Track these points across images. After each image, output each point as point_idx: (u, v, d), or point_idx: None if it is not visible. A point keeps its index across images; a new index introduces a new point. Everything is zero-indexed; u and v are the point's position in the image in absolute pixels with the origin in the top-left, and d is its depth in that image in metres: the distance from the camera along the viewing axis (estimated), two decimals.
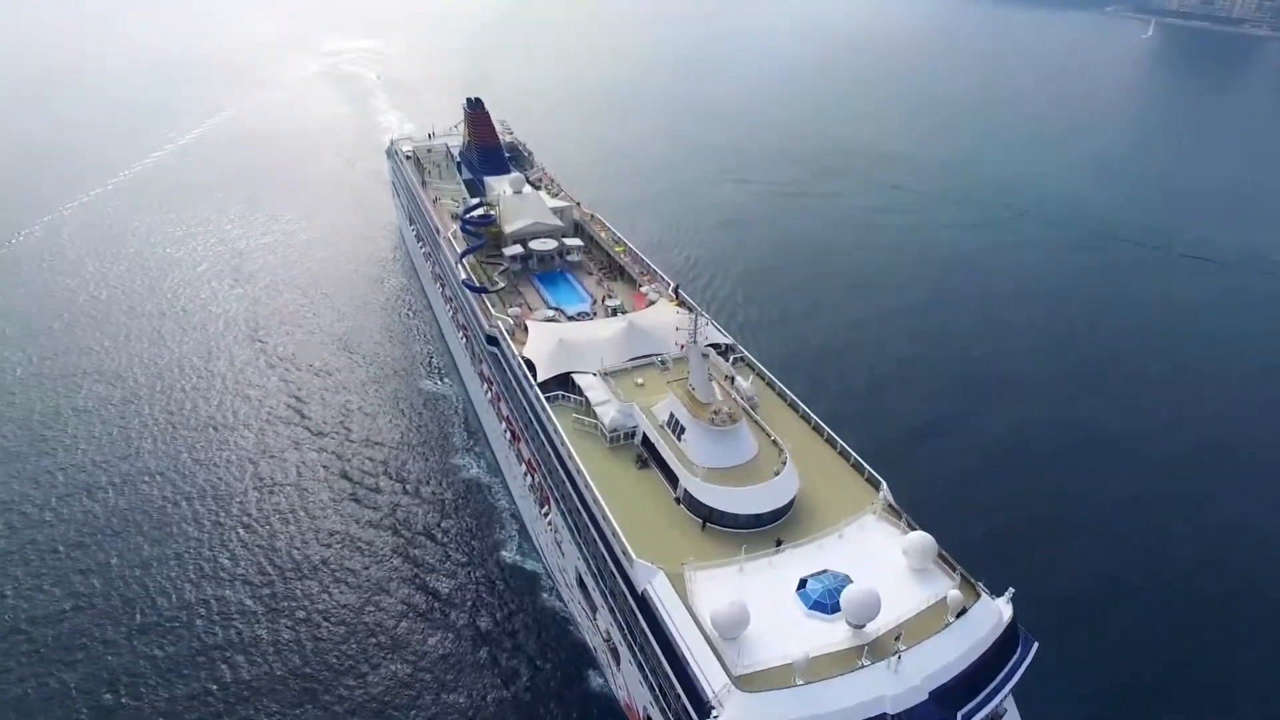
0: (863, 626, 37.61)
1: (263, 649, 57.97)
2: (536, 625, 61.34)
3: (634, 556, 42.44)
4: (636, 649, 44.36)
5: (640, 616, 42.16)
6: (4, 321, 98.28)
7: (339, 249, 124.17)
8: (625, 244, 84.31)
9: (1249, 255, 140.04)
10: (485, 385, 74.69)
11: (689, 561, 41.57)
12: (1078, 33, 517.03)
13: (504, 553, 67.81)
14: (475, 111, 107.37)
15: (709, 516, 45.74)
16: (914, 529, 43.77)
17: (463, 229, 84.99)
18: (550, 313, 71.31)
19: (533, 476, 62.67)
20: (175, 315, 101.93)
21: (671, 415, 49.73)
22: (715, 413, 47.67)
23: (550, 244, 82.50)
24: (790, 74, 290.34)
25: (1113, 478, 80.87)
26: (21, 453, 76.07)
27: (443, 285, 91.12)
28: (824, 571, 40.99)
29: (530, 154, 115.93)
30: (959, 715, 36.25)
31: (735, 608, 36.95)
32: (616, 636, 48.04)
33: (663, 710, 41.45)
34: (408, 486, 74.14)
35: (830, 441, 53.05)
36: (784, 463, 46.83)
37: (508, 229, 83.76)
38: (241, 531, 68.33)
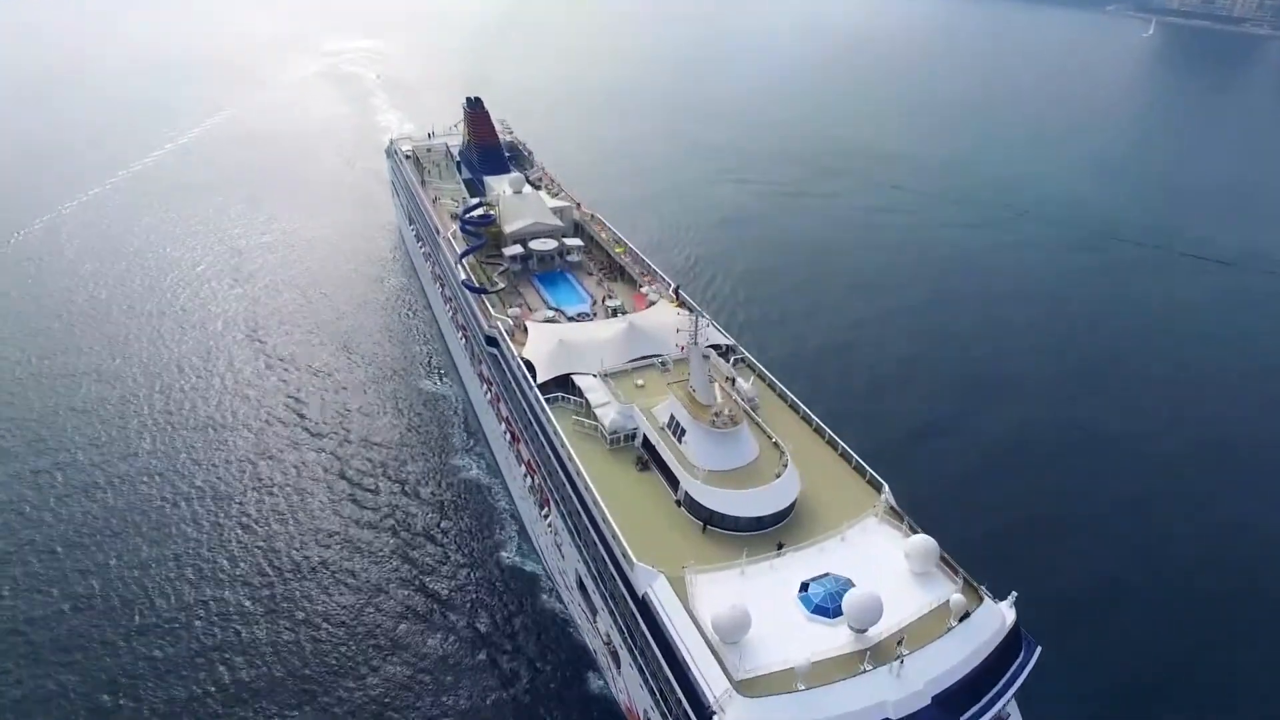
0: (865, 631, 37.38)
1: (261, 650, 57.72)
2: (536, 627, 61.08)
3: (634, 560, 42.20)
4: (637, 652, 44.12)
5: (641, 620, 41.93)
6: (2, 321, 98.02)
7: (338, 248, 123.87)
8: (625, 244, 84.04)
9: (1250, 254, 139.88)
10: (485, 386, 74.44)
11: (690, 565, 41.32)
12: (1078, 32, 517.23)
13: (503, 554, 67.55)
14: (475, 111, 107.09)
15: (710, 519, 45.47)
16: (916, 532, 43.58)
17: (462, 229, 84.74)
18: (550, 313, 71.06)
19: (532, 478, 62.43)
20: (174, 315, 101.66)
21: (672, 417, 49.49)
22: (716, 415, 47.42)
23: (550, 244, 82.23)
24: (790, 74, 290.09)
25: (1114, 477, 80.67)
26: (19, 453, 75.79)
27: (442, 285, 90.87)
28: (826, 575, 40.74)
29: (530, 154, 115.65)
30: None
31: (736, 611, 36.72)
32: (617, 640, 47.79)
33: (663, 714, 41.20)
34: (407, 487, 73.87)
35: (831, 443, 52.82)
36: (785, 465, 46.59)
37: (507, 229, 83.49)
38: (240, 532, 68.08)
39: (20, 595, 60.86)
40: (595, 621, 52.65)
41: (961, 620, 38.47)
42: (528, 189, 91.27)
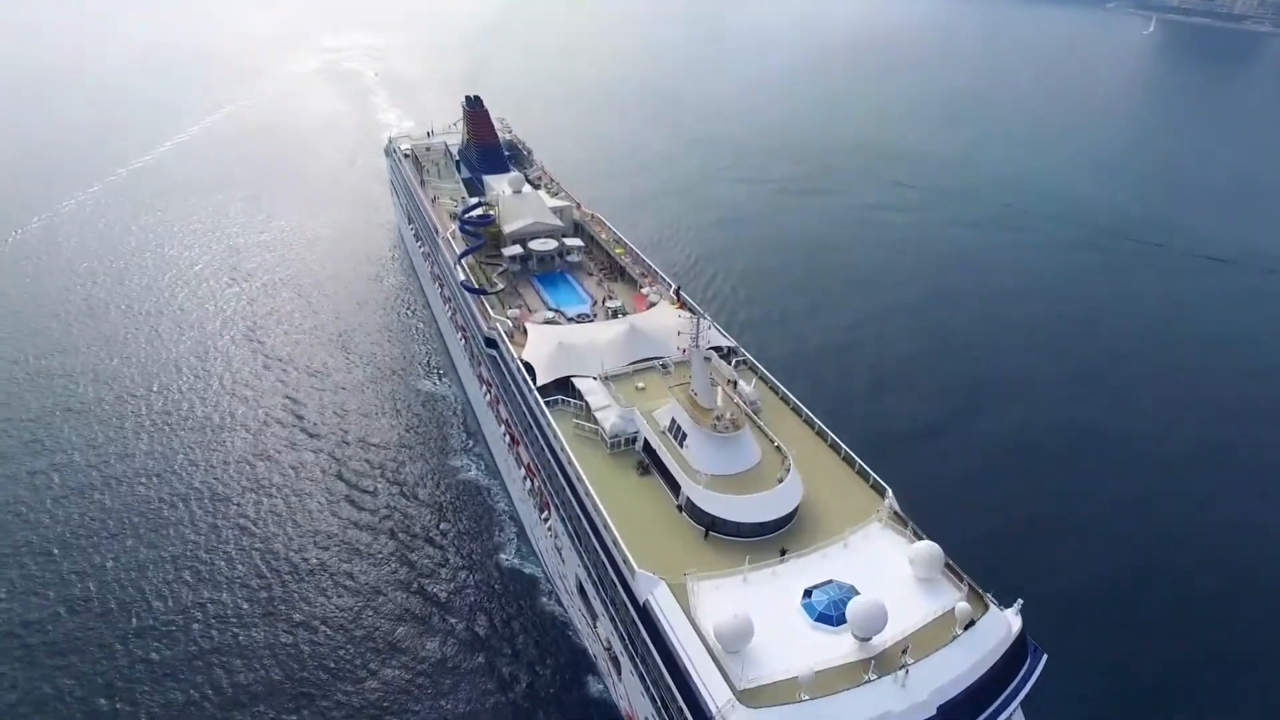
0: (869, 639, 36.95)
1: (259, 653, 57.38)
2: (535, 630, 60.71)
3: (635, 567, 41.73)
4: (638, 660, 43.70)
5: (642, 628, 41.50)
6: None
7: (338, 248, 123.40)
8: (626, 244, 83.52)
9: (1251, 253, 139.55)
10: (484, 387, 73.96)
11: (691, 572, 40.86)
12: (1078, 29, 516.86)
13: (502, 556, 67.16)
14: (474, 109, 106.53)
15: (712, 525, 44.96)
16: (920, 538, 43.07)
17: (461, 229, 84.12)
18: (550, 314, 70.50)
19: (532, 481, 61.98)
20: (172, 314, 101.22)
21: (673, 421, 49.02)
22: (718, 419, 46.89)
23: (550, 244, 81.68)
24: (790, 72, 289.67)
25: (1116, 477, 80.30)
26: (16, 454, 75.42)
27: (441, 285, 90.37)
28: (829, 582, 40.29)
29: (530, 152, 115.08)
30: None
31: (739, 620, 36.24)
32: (617, 646, 47.38)
33: None
34: (405, 489, 73.45)
35: (834, 447, 52.32)
36: (788, 469, 46.15)
37: (507, 229, 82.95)
38: (238, 534, 67.70)
39: (16, 598, 60.47)
40: (595, 627, 52.23)
41: (967, 628, 38.04)
42: (527, 188, 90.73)
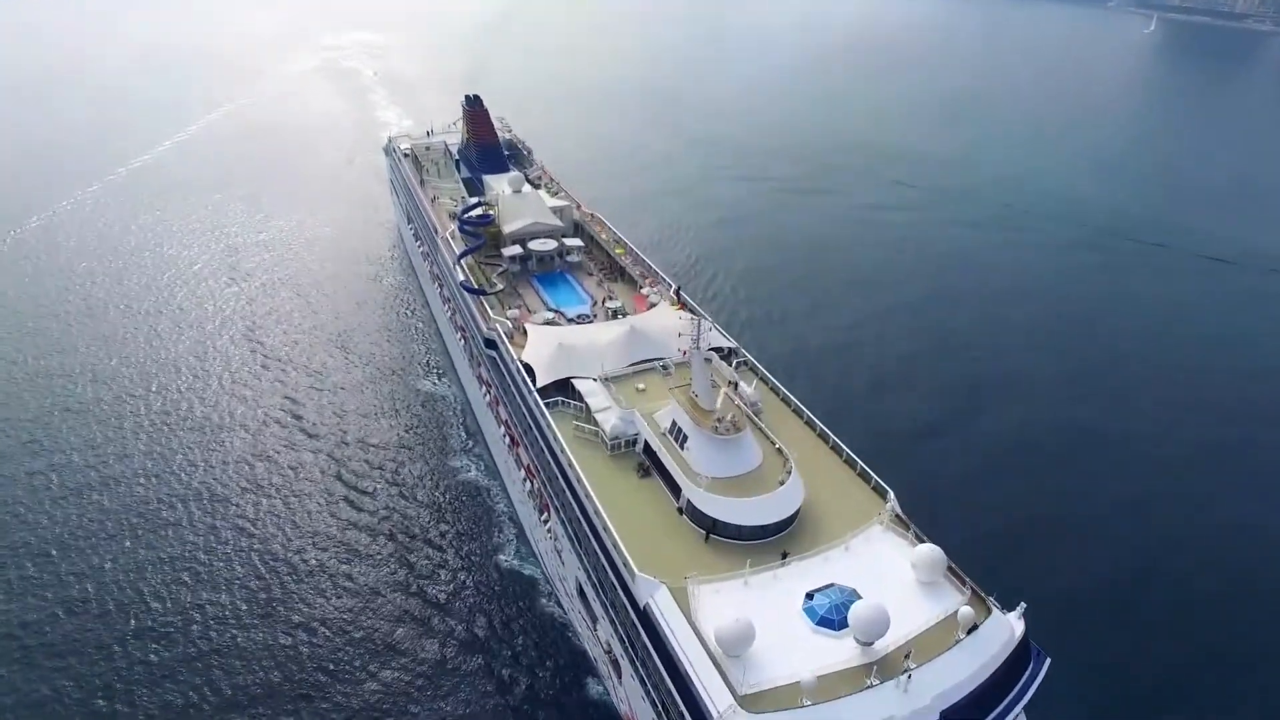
0: (871, 644, 36.73)
1: (258, 654, 57.19)
2: (535, 631, 60.50)
3: (636, 571, 41.50)
4: (638, 664, 43.50)
5: (642, 631, 41.29)
6: None
7: (337, 247, 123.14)
8: (626, 245, 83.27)
9: (1251, 253, 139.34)
10: (484, 388, 73.73)
11: (692, 575, 40.62)
12: (1079, 28, 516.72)
13: (501, 557, 66.95)
14: (474, 109, 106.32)
15: (713, 528, 44.73)
16: (922, 540, 42.85)
17: (461, 229, 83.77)
18: (550, 314, 70.27)
19: (532, 483, 61.75)
20: (171, 314, 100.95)
21: (674, 423, 48.78)
22: (719, 420, 46.63)
23: (550, 244, 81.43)
24: (790, 71, 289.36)
25: (1117, 479, 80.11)
26: (14, 454, 75.18)
27: (441, 285, 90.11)
28: (831, 585, 40.09)
29: (529, 152, 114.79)
30: None
31: (740, 625, 36.02)
32: (618, 649, 47.19)
33: None
34: (404, 489, 73.25)
35: (836, 449, 52.08)
36: (789, 472, 45.90)
37: (507, 229, 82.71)
38: (237, 535, 67.48)
39: (14, 599, 60.29)
40: (596, 630, 52.03)
41: (969, 633, 37.83)
42: (527, 188, 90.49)
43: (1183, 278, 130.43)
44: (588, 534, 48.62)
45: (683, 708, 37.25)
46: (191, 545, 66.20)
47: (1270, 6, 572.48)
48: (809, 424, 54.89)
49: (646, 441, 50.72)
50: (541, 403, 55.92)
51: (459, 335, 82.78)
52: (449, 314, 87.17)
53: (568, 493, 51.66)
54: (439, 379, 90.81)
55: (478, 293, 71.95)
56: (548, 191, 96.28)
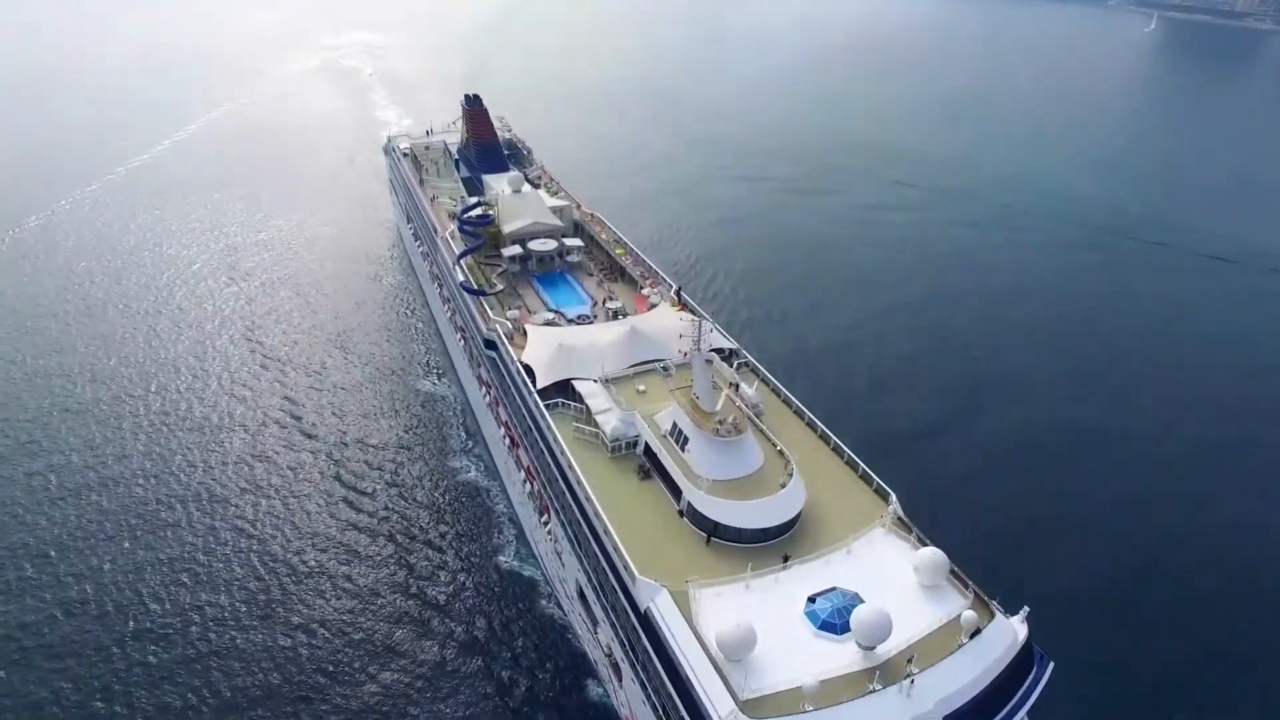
0: (874, 648, 36.50)
1: (257, 656, 57.06)
2: (535, 633, 60.35)
3: (636, 574, 41.27)
4: (639, 668, 43.29)
5: (643, 635, 41.07)
6: None
7: (336, 246, 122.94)
8: (626, 245, 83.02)
9: (1251, 252, 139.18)
10: (484, 389, 73.50)
11: (693, 579, 40.34)
12: (1080, 27, 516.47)
13: (501, 558, 66.79)
14: (473, 108, 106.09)
15: (714, 531, 44.48)
16: (925, 544, 42.57)
17: (460, 229, 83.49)
18: (550, 315, 70.05)
19: (532, 484, 61.53)
20: (170, 313, 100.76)
21: (674, 425, 48.50)
22: (720, 422, 46.37)
23: (550, 244, 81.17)
24: (790, 71, 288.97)
25: (1118, 479, 79.96)
26: (12, 454, 75.03)
27: (440, 285, 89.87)
28: (833, 589, 39.83)
29: (529, 152, 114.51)
30: None
31: (742, 629, 35.77)
32: (618, 653, 46.98)
33: None
34: (404, 490, 73.08)
35: (837, 450, 51.81)
36: (790, 474, 45.62)
37: (506, 229, 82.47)
38: (236, 536, 67.32)
39: (12, 600, 60.13)
40: (596, 632, 51.82)
41: (972, 637, 37.56)
42: (527, 188, 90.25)
43: (1183, 277, 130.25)
44: (588, 536, 48.39)
45: (684, 712, 37.03)
46: (190, 546, 66.02)
47: (1270, 5, 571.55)
48: (810, 425, 54.64)
49: (647, 443, 50.47)
50: (541, 404, 55.68)
51: (459, 336, 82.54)
52: (449, 314, 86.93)
53: (568, 495, 51.43)
54: (438, 379, 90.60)
55: (477, 293, 71.70)
56: (547, 191, 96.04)
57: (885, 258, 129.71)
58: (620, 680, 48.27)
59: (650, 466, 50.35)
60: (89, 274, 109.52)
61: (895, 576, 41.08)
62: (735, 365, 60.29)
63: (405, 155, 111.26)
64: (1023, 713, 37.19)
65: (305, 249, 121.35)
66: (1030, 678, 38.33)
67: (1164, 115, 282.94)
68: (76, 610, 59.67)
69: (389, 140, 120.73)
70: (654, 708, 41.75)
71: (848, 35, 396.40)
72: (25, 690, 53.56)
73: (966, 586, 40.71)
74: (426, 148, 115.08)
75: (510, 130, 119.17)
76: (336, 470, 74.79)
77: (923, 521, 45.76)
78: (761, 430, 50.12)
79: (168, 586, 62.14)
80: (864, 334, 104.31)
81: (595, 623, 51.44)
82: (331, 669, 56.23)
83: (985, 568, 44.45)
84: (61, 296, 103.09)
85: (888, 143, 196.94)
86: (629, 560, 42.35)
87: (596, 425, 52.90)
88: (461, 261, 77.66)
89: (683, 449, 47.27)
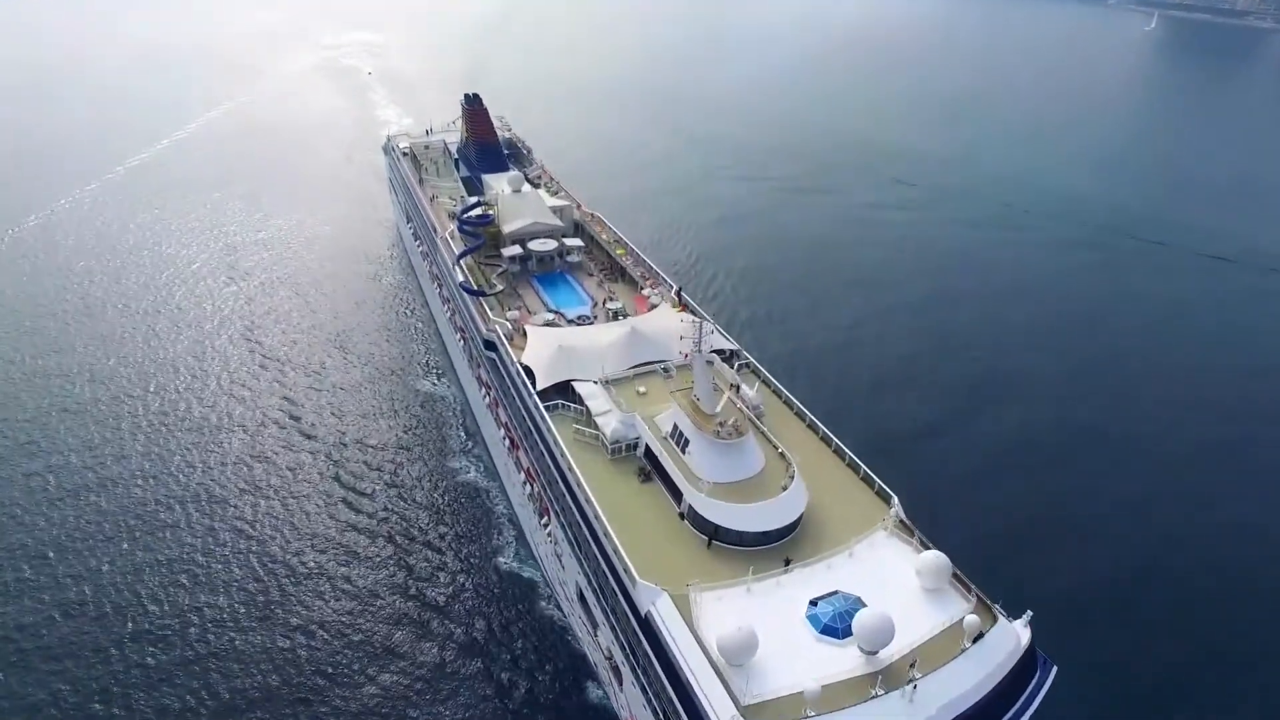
0: (876, 653, 36.25)
1: (255, 657, 56.86)
2: (534, 635, 60.15)
3: (637, 578, 41.01)
4: (640, 672, 43.05)
5: (644, 639, 40.84)
6: None
7: (336, 245, 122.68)
8: (626, 245, 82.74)
9: (1252, 251, 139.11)
10: (483, 390, 73.23)
11: (694, 582, 40.09)
12: (1080, 26, 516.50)
13: (501, 559, 66.61)
14: (473, 107, 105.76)
15: (715, 534, 44.22)
16: (927, 547, 42.36)
17: (460, 229, 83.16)
18: (550, 315, 69.73)
19: (532, 486, 61.28)
20: (169, 313, 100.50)
21: (675, 427, 48.24)
22: (720, 425, 46.14)
23: (550, 244, 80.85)
24: (790, 70, 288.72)
25: (1120, 479, 79.73)
26: (10, 455, 74.76)
27: (440, 285, 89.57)
28: (834, 593, 39.55)
29: (529, 151, 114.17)
30: None
31: (743, 634, 35.50)
32: (619, 656, 46.73)
33: None
34: (403, 491, 72.87)
35: (839, 452, 51.52)
36: (791, 477, 45.35)
37: (506, 229, 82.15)
38: (235, 537, 67.08)
39: (10, 601, 59.90)
40: (596, 635, 51.60)
41: (975, 641, 37.29)
42: (526, 187, 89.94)
43: (1183, 276, 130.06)
44: (588, 539, 48.14)
45: (685, 717, 36.82)
46: (189, 547, 65.80)
47: (1271, 4, 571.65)
48: (811, 427, 54.36)
49: (648, 445, 50.20)
50: (541, 406, 55.41)
51: (458, 336, 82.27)
52: (448, 314, 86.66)
53: (568, 497, 51.16)
54: (438, 379, 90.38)
55: (477, 294, 71.43)
56: (547, 191, 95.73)
57: (885, 257, 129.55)
58: (621, 684, 48.05)
59: (651, 469, 50.07)
60: (88, 273, 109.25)
61: (897, 580, 40.79)
62: (736, 366, 60.04)
63: (405, 154, 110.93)
64: (1026, 717, 36.98)
65: (304, 248, 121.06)
66: (1034, 682, 38.09)
67: (1164, 114, 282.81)
68: (75, 612, 59.44)
69: (388, 139, 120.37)
70: (655, 712, 41.52)
71: (848, 33, 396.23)
72: (23, 692, 53.32)
73: (969, 590, 40.43)
74: (426, 147, 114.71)
75: (510, 130, 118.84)
76: (336, 471, 74.57)
77: (924, 523, 45.54)
78: (763, 432, 49.83)
79: (166, 588, 61.91)
80: (864, 333, 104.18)
81: (595, 625, 51.22)
82: (331, 671, 56.03)
83: (987, 569, 44.26)
84: (60, 296, 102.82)
85: (888, 141, 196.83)
86: (629, 564, 42.09)
87: (597, 427, 52.64)
88: (461, 262, 77.36)
89: (683, 451, 47.03)
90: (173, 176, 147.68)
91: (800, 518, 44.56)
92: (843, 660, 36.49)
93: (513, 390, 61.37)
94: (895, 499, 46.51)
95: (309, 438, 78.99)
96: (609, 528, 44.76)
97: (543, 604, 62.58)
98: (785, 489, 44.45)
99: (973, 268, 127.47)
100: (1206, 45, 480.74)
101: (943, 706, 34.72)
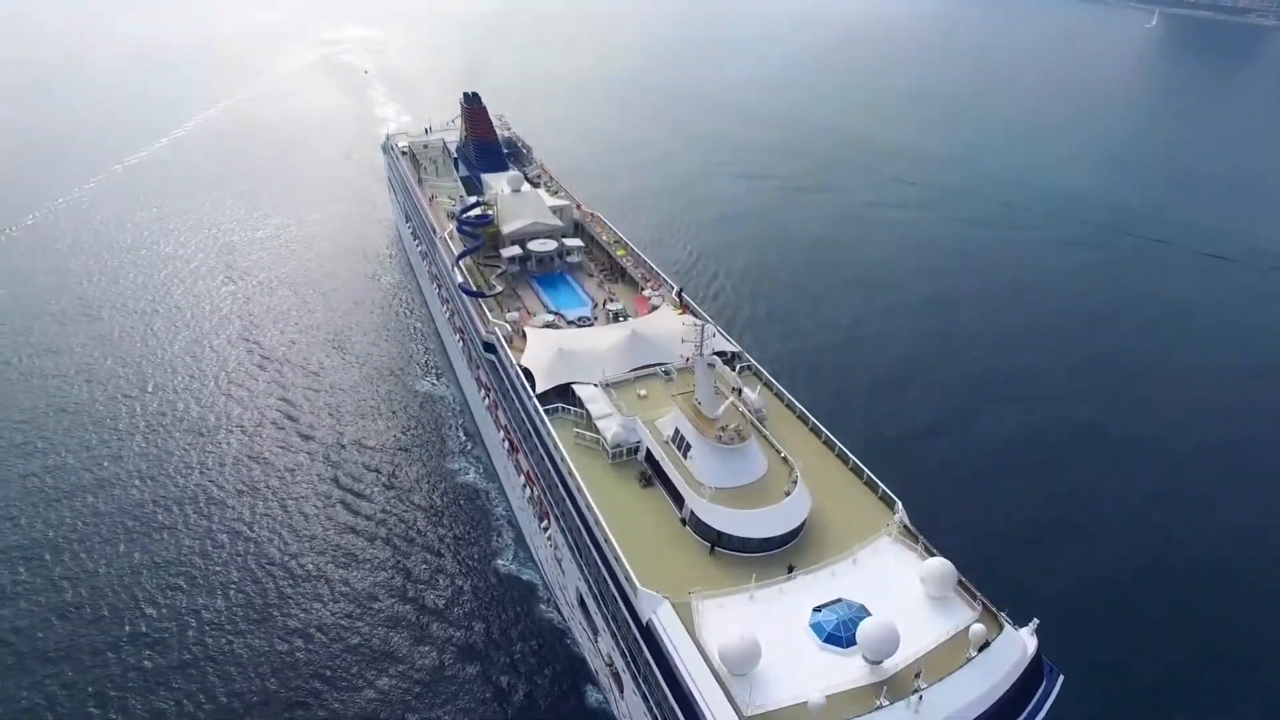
0: (880, 662, 35.82)
1: (253, 660, 56.52)
2: (534, 638, 59.79)
3: (638, 585, 40.52)
4: (640, 680, 42.60)
5: (645, 647, 40.37)
6: None
7: (334, 245, 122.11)
8: (627, 245, 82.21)
9: (1253, 250, 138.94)
10: (483, 391, 72.71)
11: (696, 590, 39.63)
12: (1081, 23, 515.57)
13: (500, 561, 66.20)
14: (473, 106, 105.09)
15: (717, 540, 43.72)
16: (932, 553, 41.88)
17: (459, 229, 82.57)
18: (550, 316, 69.23)
19: (531, 489, 60.79)
20: (166, 313, 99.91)
21: (677, 431, 47.77)
22: (722, 429, 45.66)
23: (550, 245, 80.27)
24: (790, 68, 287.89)
25: (1121, 480, 79.53)
26: (6, 456, 74.29)
27: (439, 285, 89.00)
28: (838, 601, 39.13)
29: (529, 150, 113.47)
30: None
31: (745, 642, 35.04)
32: (619, 663, 46.28)
33: None
34: (401, 492, 72.43)
35: (842, 456, 51.04)
36: (795, 481, 44.87)
37: (506, 229, 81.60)
38: (232, 538, 66.69)
39: (6, 603, 59.53)
40: (596, 641, 51.16)
41: (981, 650, 36.88)
42: (526, 187, 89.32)
43: (1184, 275, 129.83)
44: (589, 544, 47.67)
45: None
46: (186, 549, 65.39)
47: (1273, 1, 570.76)
48: (814, 430, 53.88)
49: (649, 450, 49.70)
50: (541, 409, 54.91)
51: (457, 337, 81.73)
52: (447, 315, 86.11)
53: (568, 501, 50.68)
54: (437, 379, 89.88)
55: (477, 295, 70.86)
56: (547, 190, 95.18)
57: (885, 256, 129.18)
58: (621, 691, 47.61)
59: (652, 473, 49.61)
60: (86, 272, 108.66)
61: (902, 587, 40.36)
62: (738, 369, 59.55)
63: (404, 153, 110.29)
64: None
65: (303, 247, 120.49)
66: (1040, 691, 37.69)
67: (1165, 112, 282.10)
68: (71, 614, 59.06)
69: (387, 138, 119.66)
70: None
71: (847, 32, 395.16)
72: (19, 695, 52.96)
73: (974, 598, 39.99)
74: (425, 146, 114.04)
75: (510, 128, 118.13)
76: (334, 472, 74.12)
77: (928, 528, 45.13)
78: (765, 436, 49.35)
79: (163, 590, 61.52)
80: (865, 333, 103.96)
81: (596, 631, 50.77)
82: (328, 674, 55.68)
83: (989, 573, 43.94)
84: (58, 295, 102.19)
85: (888, 140, 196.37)
86: (630, 571, 41.60)
87: (597, 431, 52.18)
88: (460, 262, 76.81)
89: (685, 456, 46.56)
90: (171, 175, 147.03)
91: (803, 524, 44.07)
92: (847, 670, 36.06)
93: (512, 393, 60.88)
94: (899, 504, 45.98)
95: (307, 438, 78.50)
96: (610, 534, 44.29)
97: (542, 607, 62.17)
98: (788, 494, 43.98)
99: (973, 267, 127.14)
100: (1208, 43, 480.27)
101: (948, 717, 34.34)
